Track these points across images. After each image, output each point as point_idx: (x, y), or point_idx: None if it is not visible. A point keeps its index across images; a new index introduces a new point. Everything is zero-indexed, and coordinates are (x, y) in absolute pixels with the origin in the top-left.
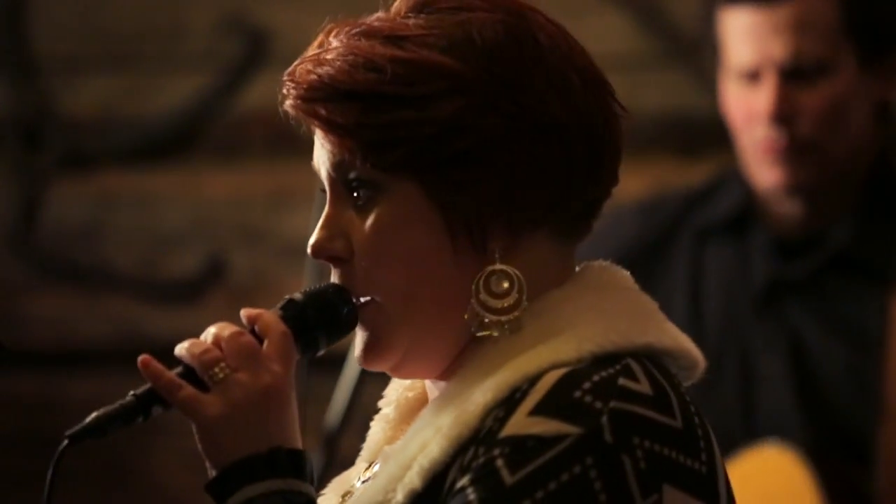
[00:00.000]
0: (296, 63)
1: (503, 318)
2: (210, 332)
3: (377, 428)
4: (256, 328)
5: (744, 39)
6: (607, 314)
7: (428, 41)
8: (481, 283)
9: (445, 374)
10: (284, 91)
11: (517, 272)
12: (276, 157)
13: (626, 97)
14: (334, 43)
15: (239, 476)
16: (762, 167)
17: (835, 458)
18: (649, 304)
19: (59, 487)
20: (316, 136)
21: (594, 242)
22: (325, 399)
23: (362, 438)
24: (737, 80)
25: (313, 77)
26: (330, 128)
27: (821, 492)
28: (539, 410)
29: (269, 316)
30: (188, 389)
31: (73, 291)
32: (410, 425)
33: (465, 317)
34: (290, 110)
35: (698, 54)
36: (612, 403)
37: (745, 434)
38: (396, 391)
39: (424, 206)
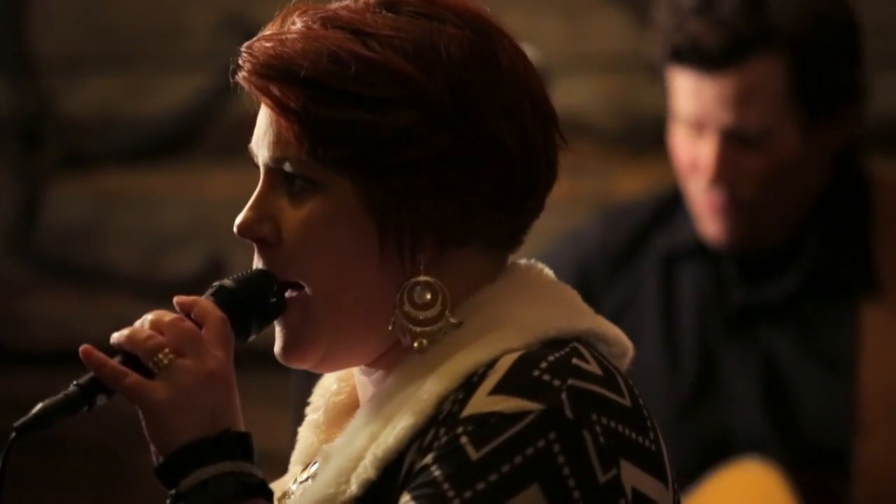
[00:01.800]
0: (256, 38)
1: (426, 329)
2: (147, 319)
3: (307, 433)
4: (193, 315)
5: (689, 98)
6: (544, 305)
7: (394, 43)
8: (405, 293)
9: (379, 366)
10: (240, 62)
11: (441, 285)
12: None
13: (626, 97)
14: (298, 24)
15: (190, 459)
16: (703, 220)
17: (813, 471)
18: (577, 296)
19: (61, 488)
20: (260, 114)
21: (556, 257)
22: None
23: None
24: (683, 127)
25: (272, 54)
26: (280, 109)
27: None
28: (499, 389)
29: (205, 302)
30: (133, 376)
31: (73, 291)
32: (342, 428)
33: (389, 327)
34: (242, 83)
35: None
36: (570, 381)
37: (722, 458)
38: (323, 398)
39: (359, 208)
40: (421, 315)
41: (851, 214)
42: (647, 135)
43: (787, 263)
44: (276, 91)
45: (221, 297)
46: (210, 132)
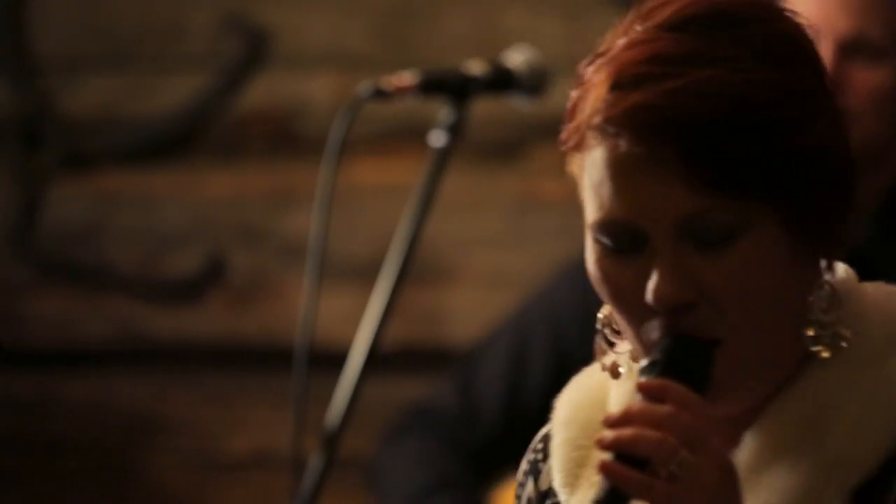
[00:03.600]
0: (617, 95)
1: (830, 332)
2: (636, 414)
3: (575, 452)
4: (669, 401)
5: (810, 10)
6: None
7: (763, 59)
8: (818, 297)
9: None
10: (618, 124)
11: (835, 286)
12: (276, 157)
13: None
14: (650, 69)
15: None
16: None
17: None
18: None
19: (61, 488)
20: (632, 178)
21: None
22: (325, 399)
23: (363, 438)
24: None
25: (666, 109)
26: (695, 161)
27: None
28: None
29: (678, 387)
30: (661, 485)
31: (73, 291)
32: None
33: (809, 335)
34: (631, 145)
35: None
36: None
37: None
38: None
39: (781, 234)
40: (827, 318)
41: None
42: None
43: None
44: (685, 145)
45: (676, 375)
46: (210, 132)
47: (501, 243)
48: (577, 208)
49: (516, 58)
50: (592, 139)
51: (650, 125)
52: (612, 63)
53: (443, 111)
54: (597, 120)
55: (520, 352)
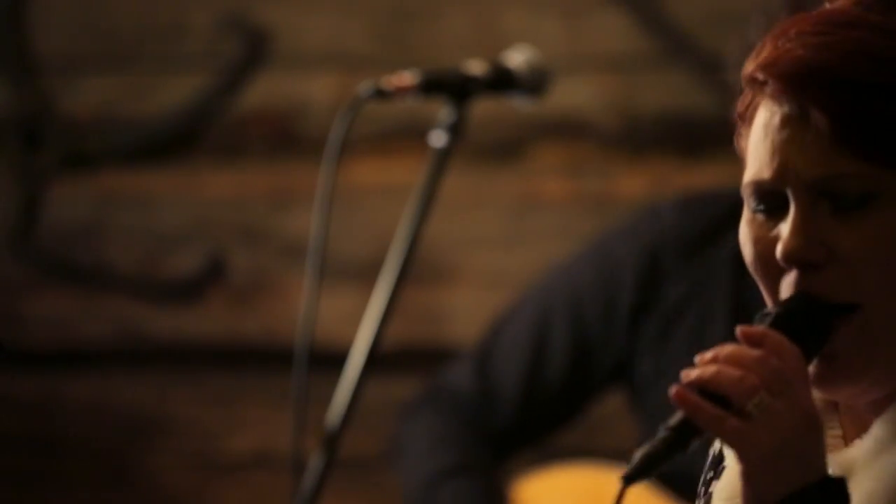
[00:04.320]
0: (770, 49)
1: None
2: (725, 355)
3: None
4: (765, 349)
5: None
6: None
7: None
8: None
9: None
10: (766, 71)
11: None
12: (276, 157)
13: (626, 97)
14: (806, 28)
15: None
16: None
17: None
18: None
19: (61, 488)
20: (777, 137)
21: (628, 234)
22: (325, 399)
23: (363, 438)
24: None
25: (816, 62)
26: (835, 121)
27: None
28: None
29: (777, 336)
30: (733, 421)
31: (73, 291)
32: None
33: None
34: (776, 96)
35: (698, 54)
36: None
37: None
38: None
39: None
40: None
41: None
42: (647, 135)
43: None
44: (827, 100)
45: (781, 326)
46: (210, 132)
47: (501, 243)
48: (577, 208)
49: (516, 58)
50: (755, 104)
51: (793, 74)
52: (776, 28)
53: (443, 111)
54: (748, 69)
55: (540, 334)
